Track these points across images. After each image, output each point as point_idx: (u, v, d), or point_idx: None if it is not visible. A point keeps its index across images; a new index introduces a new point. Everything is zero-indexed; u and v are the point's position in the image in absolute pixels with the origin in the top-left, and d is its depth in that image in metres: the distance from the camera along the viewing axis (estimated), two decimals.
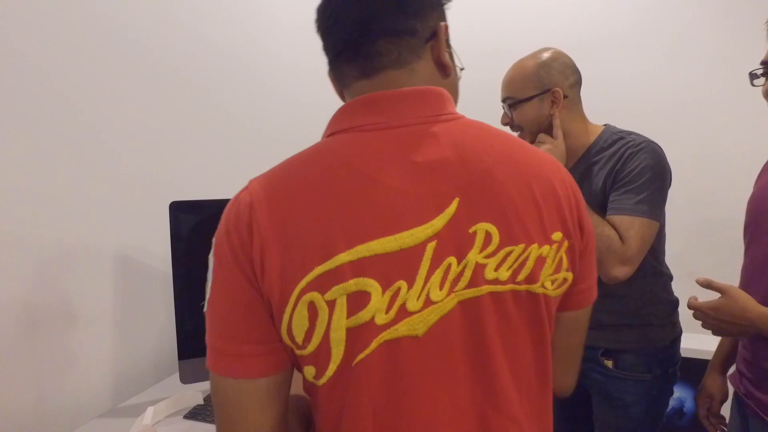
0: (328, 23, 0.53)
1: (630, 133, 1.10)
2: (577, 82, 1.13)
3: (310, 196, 0.45)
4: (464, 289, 0.47)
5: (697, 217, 1.89)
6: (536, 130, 1.10)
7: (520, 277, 0.49)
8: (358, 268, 0.44)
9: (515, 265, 0.48)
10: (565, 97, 1.07)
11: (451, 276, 0.46)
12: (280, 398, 0.49)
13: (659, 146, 1.06)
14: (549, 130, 1.09)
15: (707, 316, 0.87)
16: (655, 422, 1.15)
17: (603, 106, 1.97)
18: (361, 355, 0.45)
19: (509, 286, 0.48)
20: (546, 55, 1.09)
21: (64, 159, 1.05)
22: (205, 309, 0.49)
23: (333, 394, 0.48)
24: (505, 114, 1.18)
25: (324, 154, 0.49)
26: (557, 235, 0.51)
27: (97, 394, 1.14)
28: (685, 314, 1.81)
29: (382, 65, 0.51)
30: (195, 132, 1.45)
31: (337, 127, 0.51)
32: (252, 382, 0.47)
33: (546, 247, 0.50)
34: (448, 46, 0.56)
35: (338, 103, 0.55)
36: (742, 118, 1.82)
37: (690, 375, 1.76)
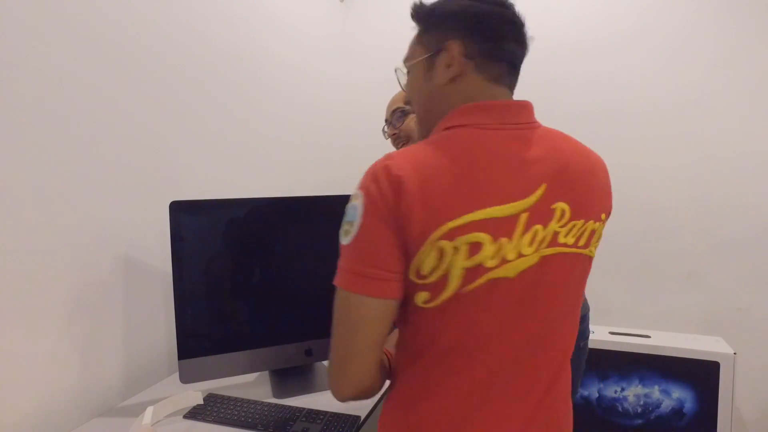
0: (509, 33, 0.69)
1: None
2: None
3: (444, 174, 0.62)
4: (545, 248, 0.65)
5: (697, 217, 1.89)
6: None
7: (580, 243, 0.69)
8: (478, 225, 0.61)
9: (577, 234, 0.68)
10: None
11: (537, 238, 0.64)
12: (386, 321, 0.65)
13: None
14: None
15: None
16: (572, 394, 1.28)
17: (603, 106, 1.98)
18: (470, 286, 0.62)
19: (573, 249, 0.68)
20: None
21: (64, 159, 1.05)
22: (342, 243, 0.65)
23: (439, 315, 0.65)
24: (391, 126, 1.35)
25: (452, 143, 0.65)
26: (603, 216, 0.72)
27: (96, 394, 1.15)
28: (693, 316, 1.81)
29: (512, 84, 0.73)
30: (195, 132, 1.45)
31: (456, 122, 0.68)
32: (373, 300, 0.63)
33: (598, 224, 0.71)
34: None
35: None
36: (742, 118, 1.82)
37: (690, 375, 1.76)
